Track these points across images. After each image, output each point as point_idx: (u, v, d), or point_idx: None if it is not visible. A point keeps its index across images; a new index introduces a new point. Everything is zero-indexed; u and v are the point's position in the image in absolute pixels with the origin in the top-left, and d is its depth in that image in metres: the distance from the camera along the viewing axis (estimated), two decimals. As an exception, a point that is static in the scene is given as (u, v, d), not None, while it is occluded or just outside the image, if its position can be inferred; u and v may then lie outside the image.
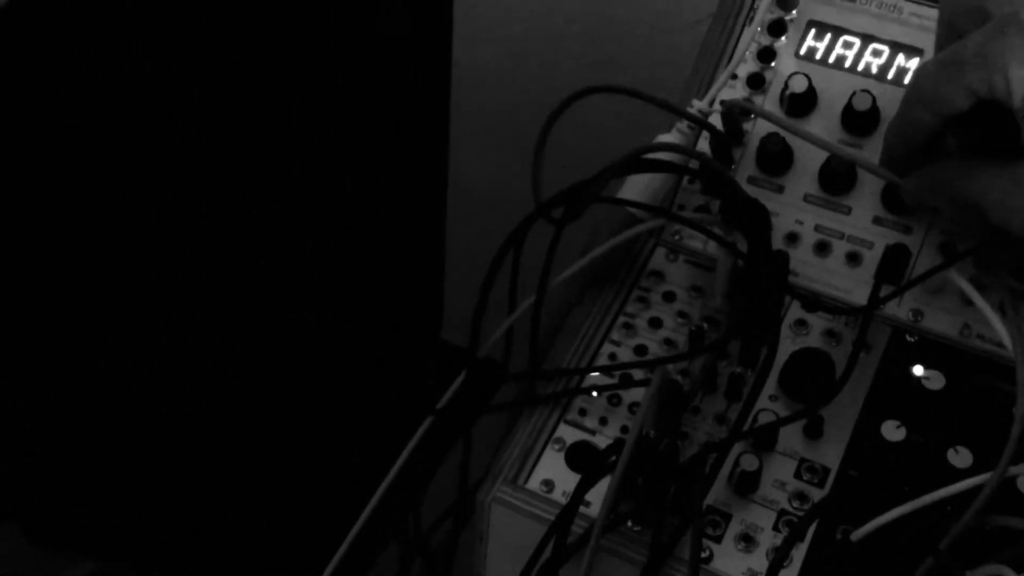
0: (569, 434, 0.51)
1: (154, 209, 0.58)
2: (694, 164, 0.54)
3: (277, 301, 0.64)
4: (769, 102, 0.56)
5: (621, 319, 0.55)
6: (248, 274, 0.62)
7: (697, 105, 0.54)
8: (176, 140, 0.57)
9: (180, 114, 0.57)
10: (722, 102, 0.55)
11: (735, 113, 0.54)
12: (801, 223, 0.55)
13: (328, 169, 0.66)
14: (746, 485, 0.48)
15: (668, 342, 0.54)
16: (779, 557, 0.45)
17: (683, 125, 0.54)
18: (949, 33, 0.48)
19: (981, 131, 0.48)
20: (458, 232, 0.82)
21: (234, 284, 0.61)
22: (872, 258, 0.53)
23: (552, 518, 0.48)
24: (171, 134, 0.57)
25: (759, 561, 0.47)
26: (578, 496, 0.47)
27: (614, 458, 0.47)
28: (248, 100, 0.59)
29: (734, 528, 0.48)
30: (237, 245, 0.61)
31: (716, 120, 0.55)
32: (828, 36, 0.57)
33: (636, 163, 0.49)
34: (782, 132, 0.54)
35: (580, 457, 0.50)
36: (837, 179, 0.54)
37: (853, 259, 0.54)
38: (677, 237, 0.56)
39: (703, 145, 0.56)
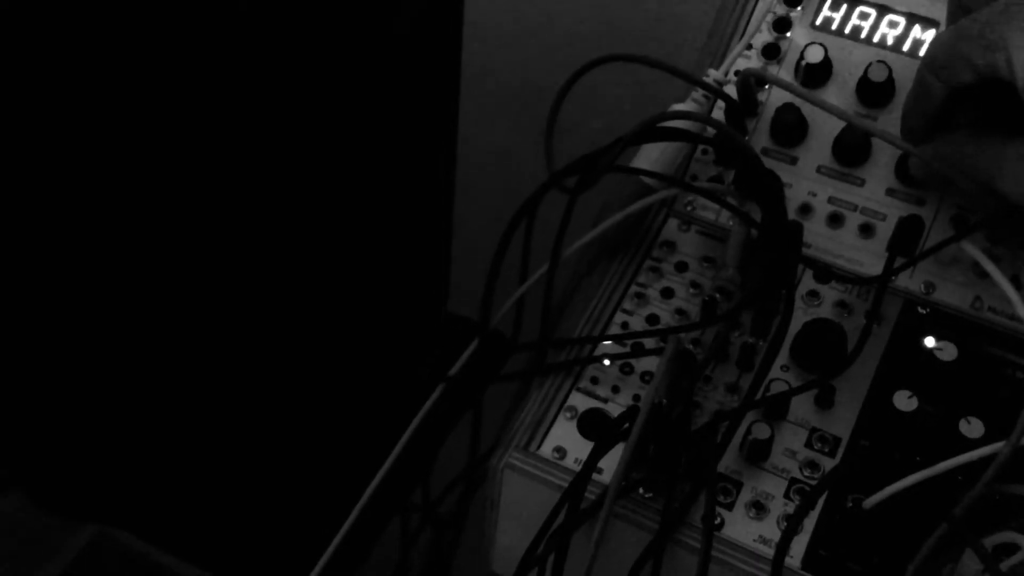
0: (581, 402, 0.51)
1: (176, 186, 0.58)
2: (709, 133, 0.53)
3: (284, 274, 0.64)
4: (784, 73, 0.56)
5: (633, 289, 0.55)
6: (256, 249, 0.62)
7: (712, 75, 0.54)
8: (200, 122, 0.57)
9: (202, 103, 0.56)
10: (736, 72, 0.54)
11: (750, 82, 0.53)
12: (814, 195, 0.55)
13: (336, 144, 0.65)
14: (757, 453, 0.48)
15: (680, 312, 0.54)
16: (791, 526, 0.45)
17: (698, 95, 0.54)
18: (959, 5, 0.48)
19: (988, 106, 0.48)
20: (464, 204, 0.82)
21: (243, 259, 0.61)
22: (885, 230, 0.53)
23: (564, 484, 0.48)
24: (191, 121, 0.57)
25: (770, 528, 0.47)
26: (592, 462, 0.47)
27: (627, 425, 0.47)
28: (259, 77, 0.59)
29: (745, 495, 0.48)
30: (249, 221, 0.61)
31: (731, 91, 0.55)
32: (844, 7, 0.57)
33: (651, 131, 0.49)
34: (797, 103, 0.54)
35: (592, 425, 0.51)
36: (851, 151, 0.54)
37: (866, 231, 0.54)
38: (689, 208, 0.56)
39: (717, 116, 0.56)
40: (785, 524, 0.47)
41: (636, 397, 0.51)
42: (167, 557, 1.35)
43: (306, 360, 0.61)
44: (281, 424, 0.61)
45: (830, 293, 0.53)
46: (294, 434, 0.61)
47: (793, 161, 0.55)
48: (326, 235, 0.66)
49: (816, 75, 0.55)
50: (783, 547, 0.44)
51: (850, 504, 0.47)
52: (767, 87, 0.56)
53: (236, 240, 0.61)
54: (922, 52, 0.55)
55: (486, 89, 0.85)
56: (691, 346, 0.52)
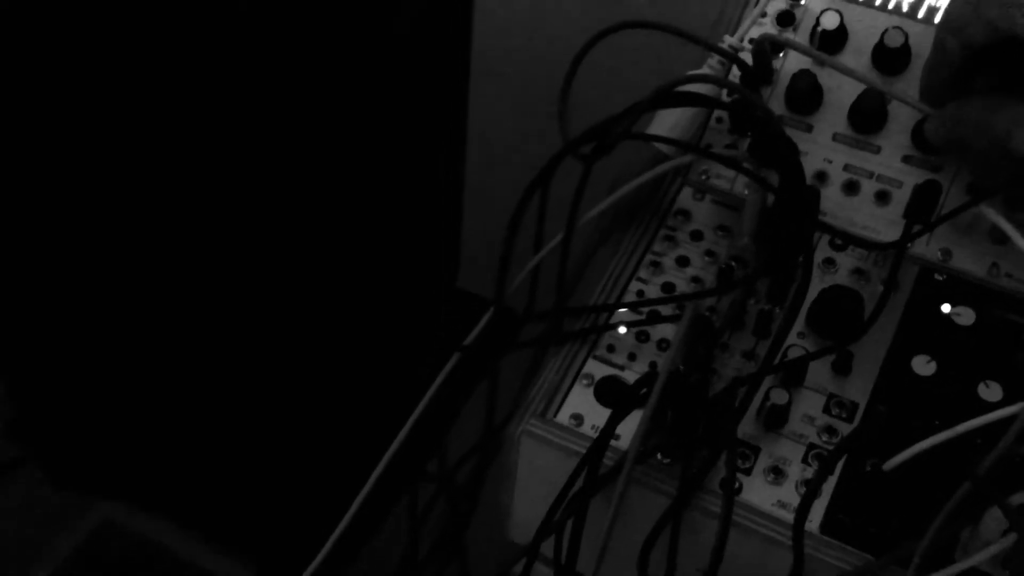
0: (597, 369, 0.51)
1: (194, 177, 0.58)
2: (725, 100, 0.53)
3: (295, 254, 0.63)
4: (799, 40, 0.56)
5: (648, 257, 0.54)
6: (271, 232, 0.62)
7: (728, 40, 0.53)
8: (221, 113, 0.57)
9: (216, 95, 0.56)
10: (751, 40, 0.54)
11: (766, 49, 0.53)
12: (830, 162, 0.54)
13: (343, 127, 0.65)
14: (775, 419, 0.48)
15: (696, 280, 0.53)
16: (811, 491, 0.45)
17: (713, 61, 0.54)
18: None
19: (1006, 67, 0.48)
20: (473, 179, 0.82)
21: (258, 241, 0.61)
22: (901, 197, 0.53)
23: (582, 451, 0.48)
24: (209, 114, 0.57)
25: (788, 493, 0.47)
26: (610, 427, 0.47)
27: (645, 391, 0.47)
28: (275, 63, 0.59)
29: (763, 461, 0.48)
30: (265, 206, 0.60)
31: (746, 59, 0.55)
32: (859, -26, 0.56)
33: (668, 96, 0.49)
34: (813, 69, 0.54)
35: (609, 392, 0.51)
36: (867, 118, 0.54)
37: (882, 198, 0.53)
38: (704, 177, 0.56)
39: (731, 84, 0.56)
40: (804, 489, 0.47)
41: (652, 364, 0.51)
42: (172, 540, 1.35)
43: (321, 334, 0.61)
44: (295, 396, 0.61)
45: (846, 260, 0.53)
46: (308, 406, 0.61)
47: (808, 128, 0.55)
48: (339, 217, 0.65)
49: (832, 42, 0.55)
50: (803, 511, 0.44)
51: (869, 468, 0.47)
52: (782, 55, 0.56)
53: (253, 223, 0.61)
54: (938, 18, 0.55)
55: (496, 63, 0.85)
56: (707, 314, 0.52)
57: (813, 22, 0.55)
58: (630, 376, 0.51)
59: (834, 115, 0.55)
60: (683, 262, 0.54)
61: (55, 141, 0.56)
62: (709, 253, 0.54)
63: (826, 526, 0.46)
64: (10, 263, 0.59)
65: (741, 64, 0.53)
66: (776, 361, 0.48)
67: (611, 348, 0.52)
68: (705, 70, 0.54)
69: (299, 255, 0.64)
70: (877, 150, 0.54)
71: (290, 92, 0.60)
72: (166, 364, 0.61)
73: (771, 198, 0.52)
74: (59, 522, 1.28)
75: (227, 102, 0.57)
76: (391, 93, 0.67)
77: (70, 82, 0.55)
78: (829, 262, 0.53)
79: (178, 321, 0.60)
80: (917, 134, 0.53)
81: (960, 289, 0.51)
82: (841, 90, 0.55)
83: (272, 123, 0.60)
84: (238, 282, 0.61)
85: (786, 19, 0.56)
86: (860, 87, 0.53)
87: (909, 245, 0.52)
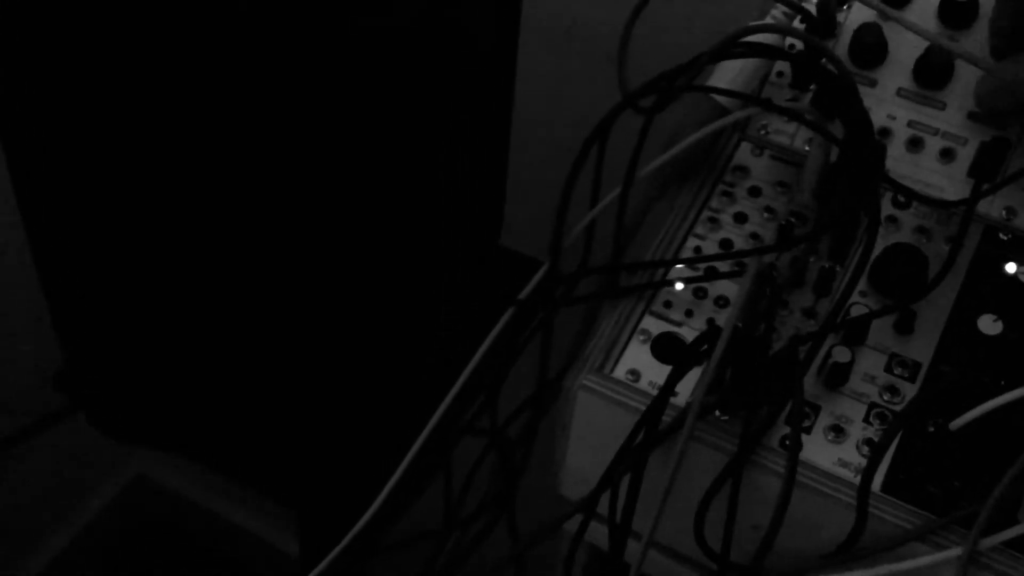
0: (654, 325, 0.51)
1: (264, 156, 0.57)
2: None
3: (337, 206, 0.63)
4: (863, -6, 0.55)
5: (705, 213, 0.54)
6: (316, 183, 0.61)
7: (793, -9, 0.52)
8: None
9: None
10: (815, -9, 0.53)
11: (831, 0, 0.52)
12: (894, 118, 0.53)
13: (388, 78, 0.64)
14: (837, 378, 0.48)
15: (754, 236, 0.53)
16: (877, 452, 0.44)
17: (778, 12, 0.53)
18: None
19: None
20: (515, 137, 0.81)
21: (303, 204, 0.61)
22: (966, 155, 0.52)
23: (639, 406, 0.47)
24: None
25: (849, 452, 0.46)
26: (671, 384, 0.46)
27: (706, 347, 0.47)
28: None
29: (824, 420, 0.47)
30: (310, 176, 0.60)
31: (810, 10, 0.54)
32: (927, -75, 0.55)
33: (736, 47, 0.48)
34: (878, 22, 0.53)
35: (666, 348, 0.50)
36: (933, 73, 0.53)
37: (946, 155, 0.52)
38: (763, 132, 0.55)
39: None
40: (865, 448, 0.46)
41: (710, 321, 0.51)
42: (204, 496, 1.36)
43: (368, 287, 0.61)
44: (343, 350, 0.61)
45: (908, 218, 0.52)
46: (357, 360, 0.61)
47: (872, 84, 0.54)
48: (384, 172, 0.65)
49: (897, -6, 0.54)
50: (869, 472, 0.44)
51: (931, 428, 0.46)
52: (846, 7, 0.55)
53: (302, 178, 0.60)
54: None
55: (543, 16, 0.84)
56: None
57: (879, -26, 0.54)
58: (687, 332, 0.50)
59: (899, 70, 0.54)
60: (741, 218, 0.53)
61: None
62: (768, 209, 0.53)
63: (888, 485, 0.45)
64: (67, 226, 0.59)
65: (805, 15, 0.52)
66: (839, 319, 0.48)
67: (668, 304, 0.51)
68: (769, 20, 0.53)
69: (342, 211, 0.64)
70: (943, 106, 0.53)
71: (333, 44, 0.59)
72: (217, 318, 0.61)
73: (834, 154, 0.51)
74: (95, 476, 1.30)
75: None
76: (435, 48, 0.66)
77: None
78: (891, 220, 0.52)
79: (232, 275, 0.60)
80: (984, 90, 0.52)
81: (1025, 249, 0.50)
82: (906, 44, 0.53)
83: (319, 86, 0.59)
84: (285, 233, 0.61)
85: (851, -29, 0.55)
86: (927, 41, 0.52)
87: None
